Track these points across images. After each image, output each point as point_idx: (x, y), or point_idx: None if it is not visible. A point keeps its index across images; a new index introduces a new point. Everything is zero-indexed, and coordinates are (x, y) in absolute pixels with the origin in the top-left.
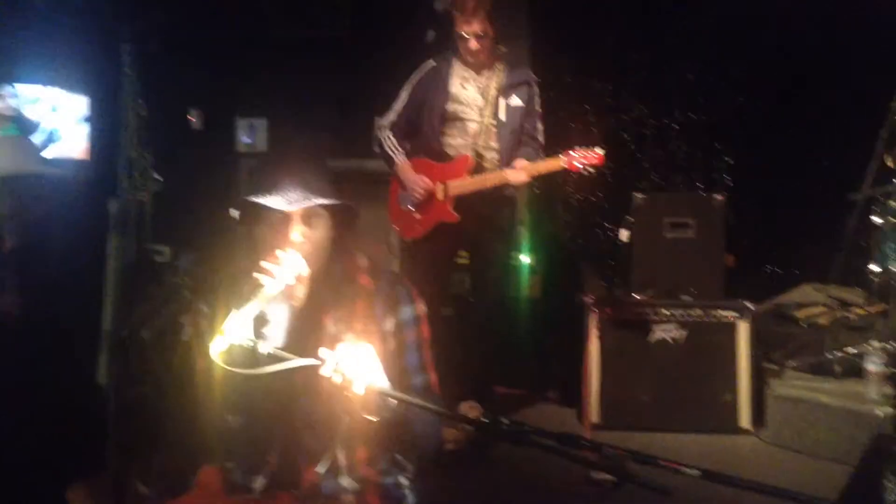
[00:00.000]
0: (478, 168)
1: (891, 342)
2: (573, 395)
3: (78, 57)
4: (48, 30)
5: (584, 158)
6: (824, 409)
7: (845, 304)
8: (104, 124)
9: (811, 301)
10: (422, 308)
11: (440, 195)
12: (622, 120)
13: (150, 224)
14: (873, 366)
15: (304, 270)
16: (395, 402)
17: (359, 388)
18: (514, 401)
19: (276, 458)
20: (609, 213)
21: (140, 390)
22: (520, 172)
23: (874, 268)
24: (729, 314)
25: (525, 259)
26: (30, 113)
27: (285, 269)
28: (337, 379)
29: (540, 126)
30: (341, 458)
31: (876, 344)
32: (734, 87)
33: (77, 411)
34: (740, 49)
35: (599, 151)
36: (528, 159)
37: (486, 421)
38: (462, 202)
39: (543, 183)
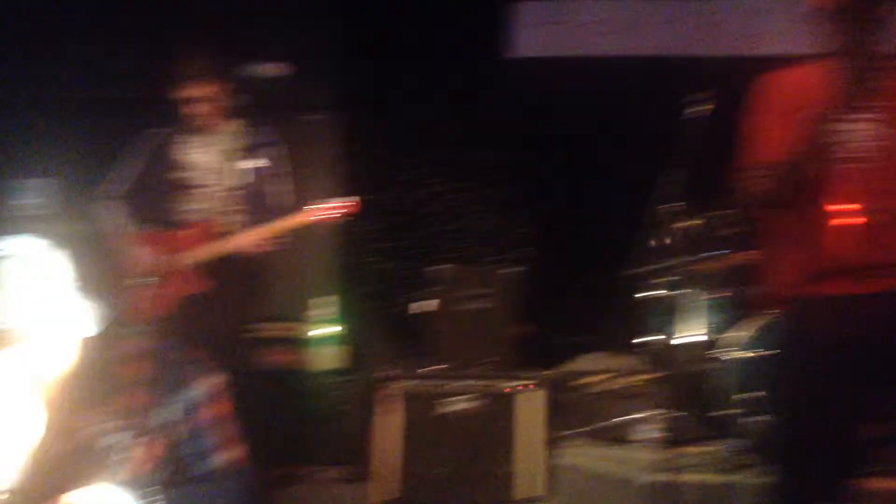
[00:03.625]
0: (219, 234)
1: (664, 409)
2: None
3: None
4: None
5: (336, 209)
6: (603, 477)
7: (624, 372)
8: None
9: (594, 369)
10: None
11: (180, 266)
12: (423, 192)
13: None
14: (648, 433)
15: None
16: None
17: None
18: (314, 478)
19: None
20: (410, 284)
21: None
22: (256, 236)
23: (648, 338)
24: (522, 384)
25: (330, 329)
26: None
27: None
28: None
29: (283, 189)
30: None
31: (651, 412)
32: (529, 162)
33: None
34: (540, 131)
35: (351, 200)
36: (268, 222)
37: None
38: (207, 270)
39: (349, 254)
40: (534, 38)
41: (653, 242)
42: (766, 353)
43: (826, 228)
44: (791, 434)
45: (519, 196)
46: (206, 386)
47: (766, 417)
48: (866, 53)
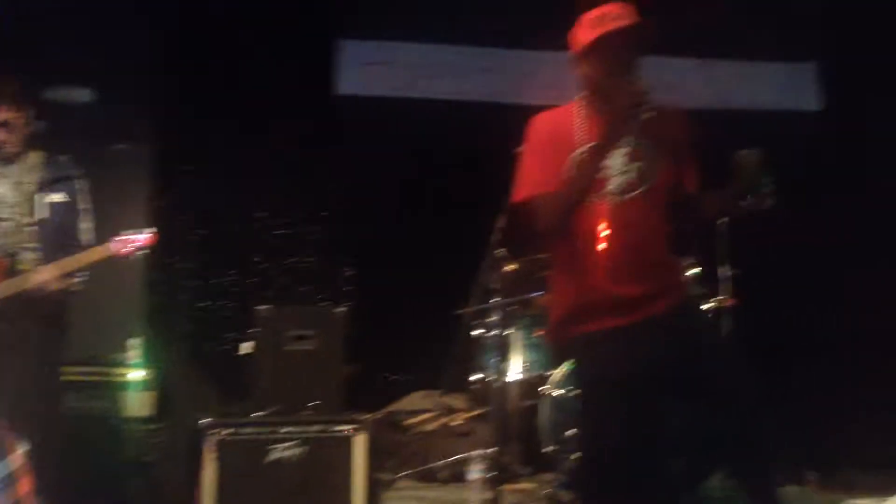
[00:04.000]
0: (13, 272)
1: (492, 447)
2: None
3: None
4: None
5: (131, 242)
6: None
7: (451, 410)
8: None
9: (421, 408)
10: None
11: None
12: (250, 229)
13: None
14: (475, 473)
15: None
16: None
17: None
18: None
19: None
20: (234, 324)
21: None
22: (52, 272)
23: (476, 376)
24: (347, 428)
25: (143, 373)
26: None
27: None
28: None
29: (84, 225)
30: None
31: (477, 451)
32: (354, 206)
33: None
34: (366, 170)
35: (149, 232)
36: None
37: None
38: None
39: (163, 291)
40: (362, 76)
41: (489, 284)
42: (574, 391)
43: (583, 264)
44: (587, 471)
45: (348, 233)
46: (6, 465)
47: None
48: (616, 93)
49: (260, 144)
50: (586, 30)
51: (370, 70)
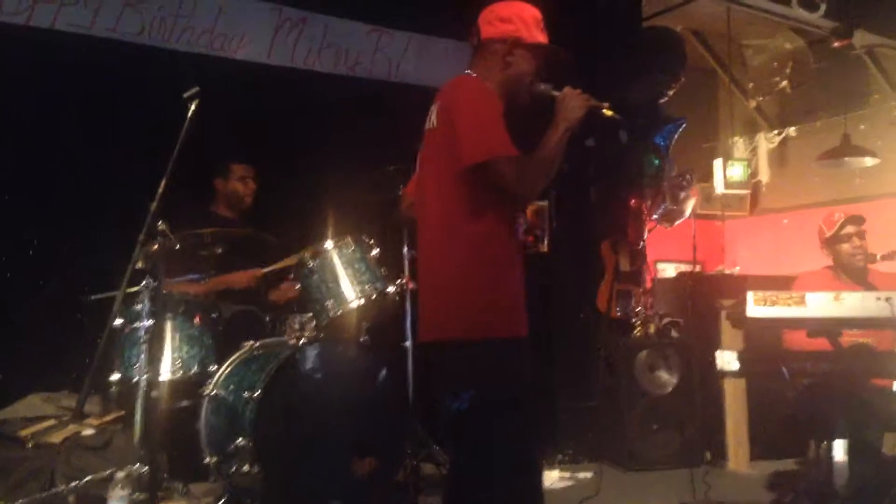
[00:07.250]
0: None
1: (133, 464)
2: None
3: None
4: None
5: None
6: None
7: (80, 415)
8: None
9: (39, 414)
10: None
11: None
12: None
13: None
14: (115, 495)
15: None
16: None
17: None
18: None
19: None
20: None
21: None
22: None
23: (115, 375)
24: None
25: None
26: None
27: None
28: None
29: None
30: None
31: (120, 474)
32: None
33: None
34: None
35: None
36: None
37: None
38: None
39: None
40: None
41: (139, 264)
42: (255, 394)
43: (515, 258)
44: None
45: None
46: None
47: (253, 467)
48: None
49: None
50: (536, 30)
51: None
